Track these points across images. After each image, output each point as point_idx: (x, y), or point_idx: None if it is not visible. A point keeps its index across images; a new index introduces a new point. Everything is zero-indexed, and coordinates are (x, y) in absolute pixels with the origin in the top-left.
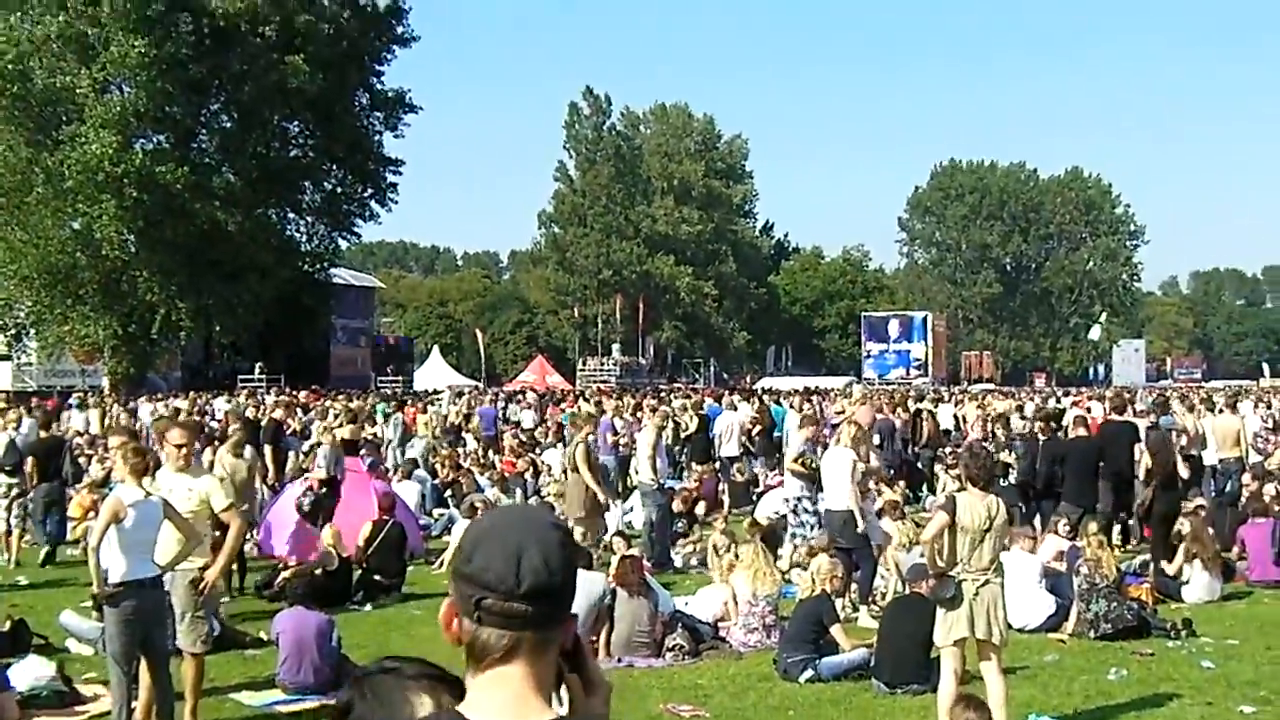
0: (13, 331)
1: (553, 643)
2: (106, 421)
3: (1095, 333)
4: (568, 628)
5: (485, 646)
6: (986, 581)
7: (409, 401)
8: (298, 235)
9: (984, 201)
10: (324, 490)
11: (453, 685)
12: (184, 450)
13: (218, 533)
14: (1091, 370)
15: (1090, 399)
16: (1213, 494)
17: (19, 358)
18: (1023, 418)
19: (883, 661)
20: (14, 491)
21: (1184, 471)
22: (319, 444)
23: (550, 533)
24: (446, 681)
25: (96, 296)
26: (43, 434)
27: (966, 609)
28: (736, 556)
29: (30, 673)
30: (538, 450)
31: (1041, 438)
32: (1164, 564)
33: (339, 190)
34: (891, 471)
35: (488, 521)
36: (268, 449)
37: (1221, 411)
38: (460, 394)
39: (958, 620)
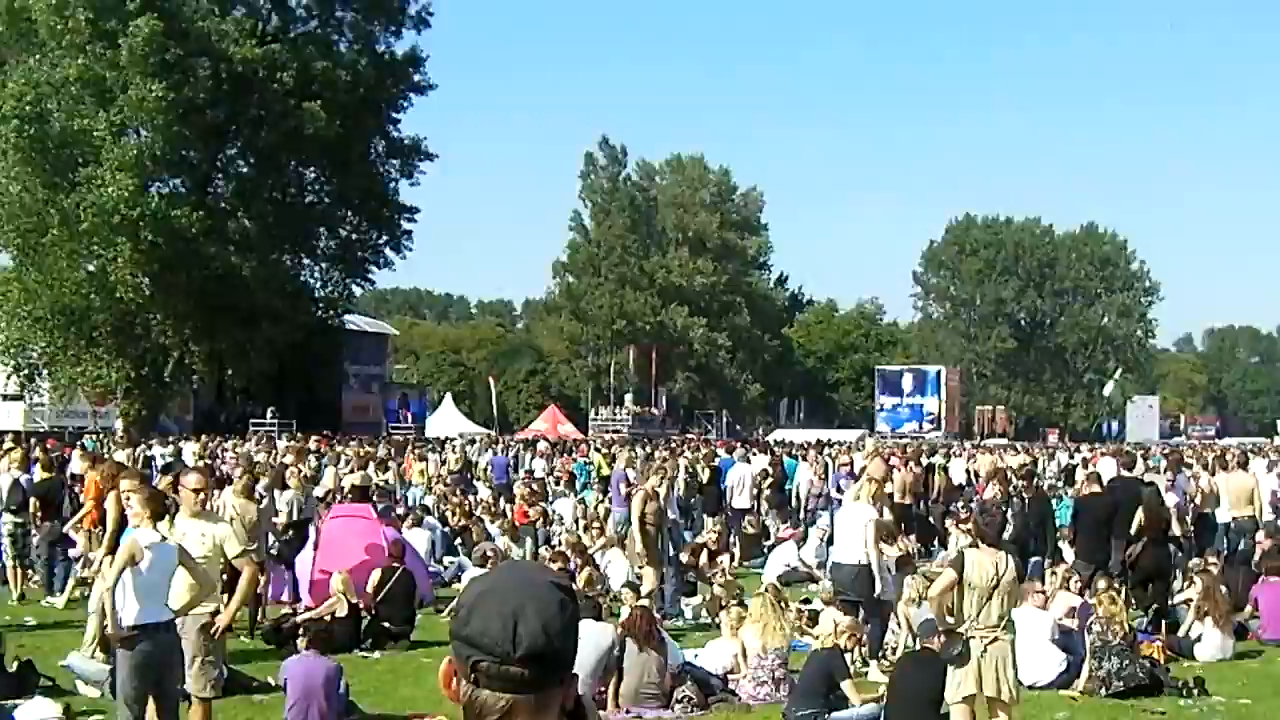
0: (26, 372)
1: (552, 704)
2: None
3: (1109, 389)
4: (568, 688)
5: (483, 708)
6: (995, 639)
7: (408, 450)
8: (312, 281)
9: (999, 256)
10: (289, 534)
11: None
12: (200, 495)
13: (225, 577)
14: (1105, 426)
15: (1103, 455)
16: (1225, 552)
17: (31, 398)
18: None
19: (893, 717)
20: (18, 530)
21: (1176, 529)
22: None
23: (550, 594)
24: None
25: (110, 339)
26: (44, 475)
27: (975, 666)
28: (745, 609)
29: (36, 714)
30: (549, 499)
31: (1026, 496)
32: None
33: (354, 237)
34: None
35: (486, 582)
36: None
37: (1234, 469)
38: (472, 441)
39: (966, 677)
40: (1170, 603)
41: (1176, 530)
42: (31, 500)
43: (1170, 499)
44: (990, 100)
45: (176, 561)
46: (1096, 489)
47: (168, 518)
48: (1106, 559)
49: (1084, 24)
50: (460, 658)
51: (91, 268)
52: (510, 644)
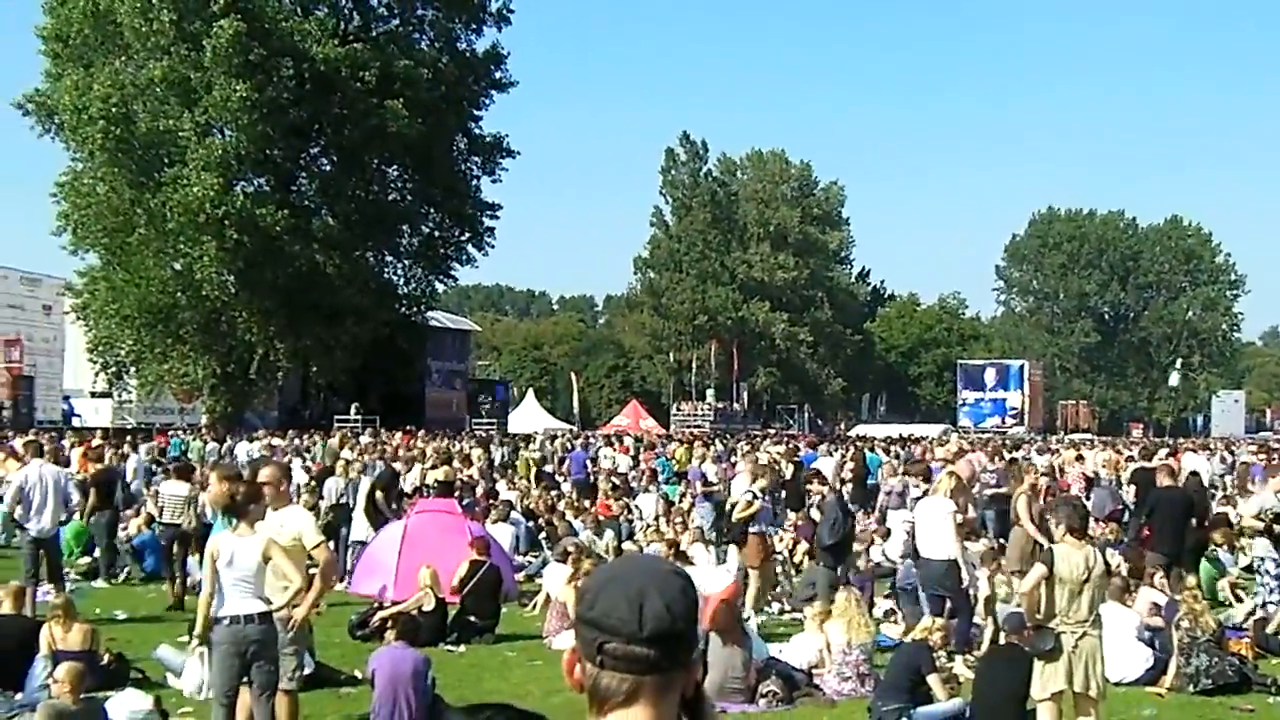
0: (113, 369)
1: (674, 688)
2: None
3: (1174, 379)
4: (690, 674)
5: (607, 691)
6: (1085, 634)
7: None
8: (395, 278)
9: (1082, 250)
10: (330, 517)
11: None
12: (275, 488)
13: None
14: (1190, 421)
15: (1187, 450)
16: None
17: (119, 396)
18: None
19: (978, 713)
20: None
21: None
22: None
23: (672, 579)
24: None
25: (196, 336)
26: (98, 466)
27: (1065, 661)
28: (829, 604)
29: (127, 706)
30: (633, 494)
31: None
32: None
33: (436, 234)
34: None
35: (610, 568)
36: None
37: None
38: (553, 437)
39: (1056, 673)
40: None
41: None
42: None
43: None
44: (1073, 93)
45: (258, 555)
46: (1170, 482)
47: (249, 513)
48: (1180, 552)
49: (1168, 14)
50: (586, 641)
51: (178, 266)
52: (637, 624)
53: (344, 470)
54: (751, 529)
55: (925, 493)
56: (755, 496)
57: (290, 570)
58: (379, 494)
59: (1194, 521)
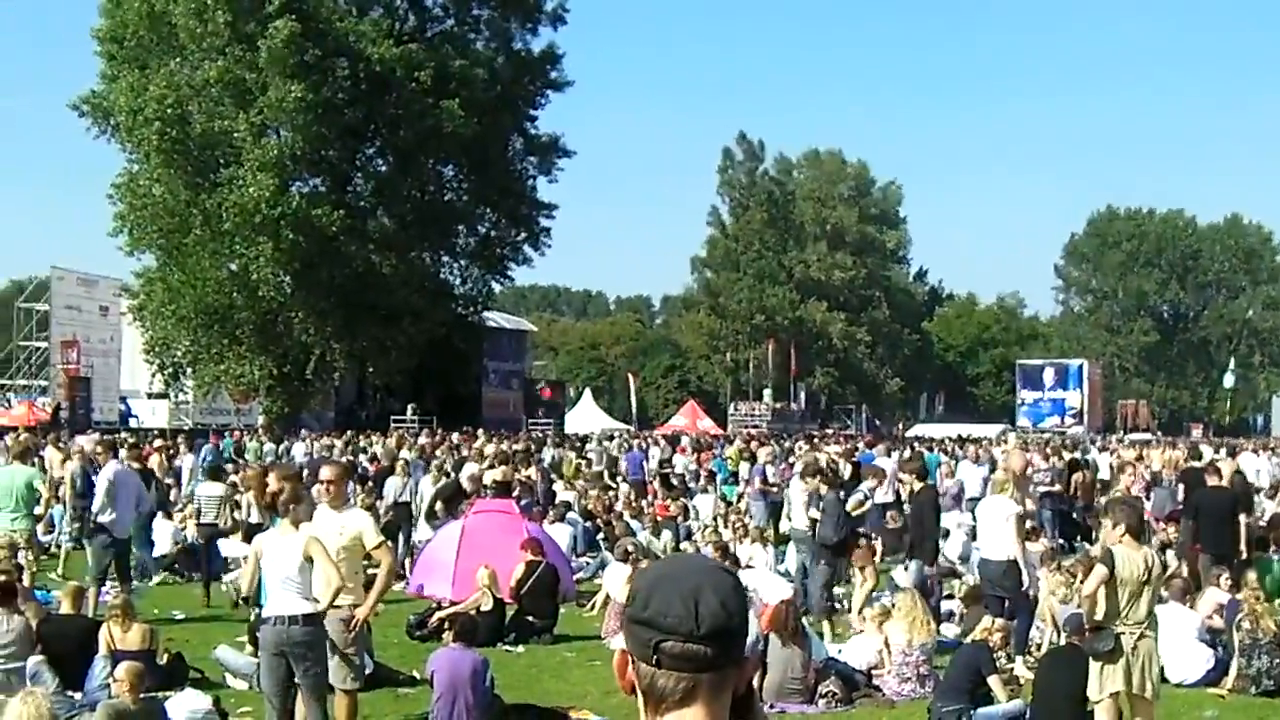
0: (170, 370)
1: (728, 685)
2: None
3: (1229, 380)
4: (743, 671)
5: (664, 690)
6: (1142, 635)
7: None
8: (451, 278)
9: (1141, 249)
10: (390, 515)
11: None
12: (334, 487)
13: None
14: (1250, 420)
15: (1245, 451)
16: None
17: (176, 396)
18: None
19: (1038, 714)
20: (80, 513)
21: None
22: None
23: (723, 576)
24: None
25: (252, 337)
26: (134, 466)
27: (1124, 662)
28: (892, 605)
29: (186, 706)
30: (690, 495)
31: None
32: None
33: (493, 234)
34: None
35: (659, 568)
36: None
37: None
38: (611, 437)
39: (1113, 673)
40: None
41: None
42: None
43: None
44: (1131, 90)
45: (299, 556)
46: (1216, 482)
47: (290, 512)
48: (1229, 552)
49: (1226, 12)
50: (639, 641)
51: (234, 267)
52: (694, 622)
53: (403, 470)
54: (860, 529)
55: (906, 492)
56: (866, 496)
57: (330, 570)
58: (439, 504)
59: (1241, 520)
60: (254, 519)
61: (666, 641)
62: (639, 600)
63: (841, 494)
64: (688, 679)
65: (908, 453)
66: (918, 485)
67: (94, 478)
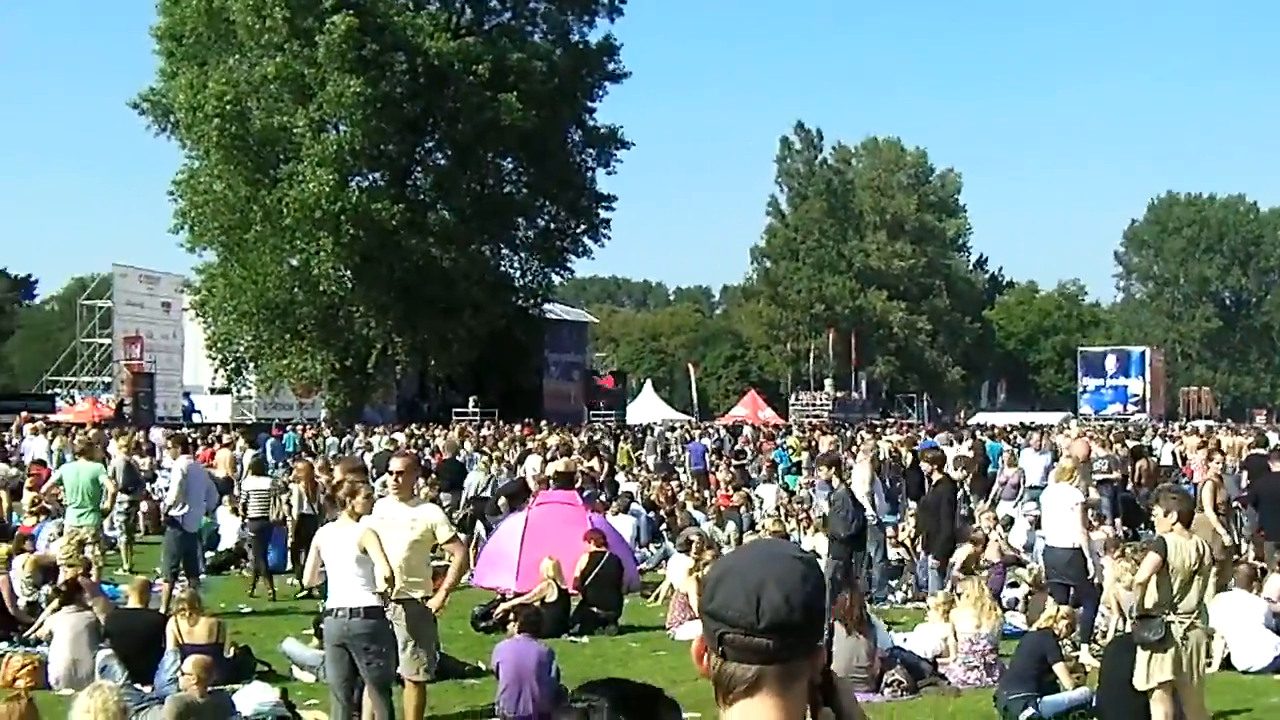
0: (232, 365)
1: (799, 676)
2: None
3: None
4: (815, 660)
5: (731, 680)
6: (1192, 624)
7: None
8: (511, 271)
9: (1202, 234)
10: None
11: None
12: (404, 479)
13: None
14: None
15: None
16: None
17: (239, 391)
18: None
19: (1104, 702)
20: (132, 509)
21: None
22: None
23: (792, 567)
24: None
25: (314, 331)
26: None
27: (1174, 652)
28: (957, 593)
29: (254, 698)
30: (753, 484)
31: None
32: None
33: (552, 226)
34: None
35: (730, 558)
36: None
37: None
38: (672, 428)
39: (1164, 663)
40: None
41: None
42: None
43: None
44: (1191, 75)
45: (355, 548)
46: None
47: (351, 506)
48: None
49: None
50: (708, 632)
51: (294, 262)
52: (754, 615)
53: (485, 466)
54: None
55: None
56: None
57: (381, 563)
58: (502, 500)
59: None
60: (305, 510)
61: (729, 634)
62: (707, 591)
63: (889, 483)
64: (754, 670)
65: (969, 442)
66: (936, 476)
67: (140, 472)
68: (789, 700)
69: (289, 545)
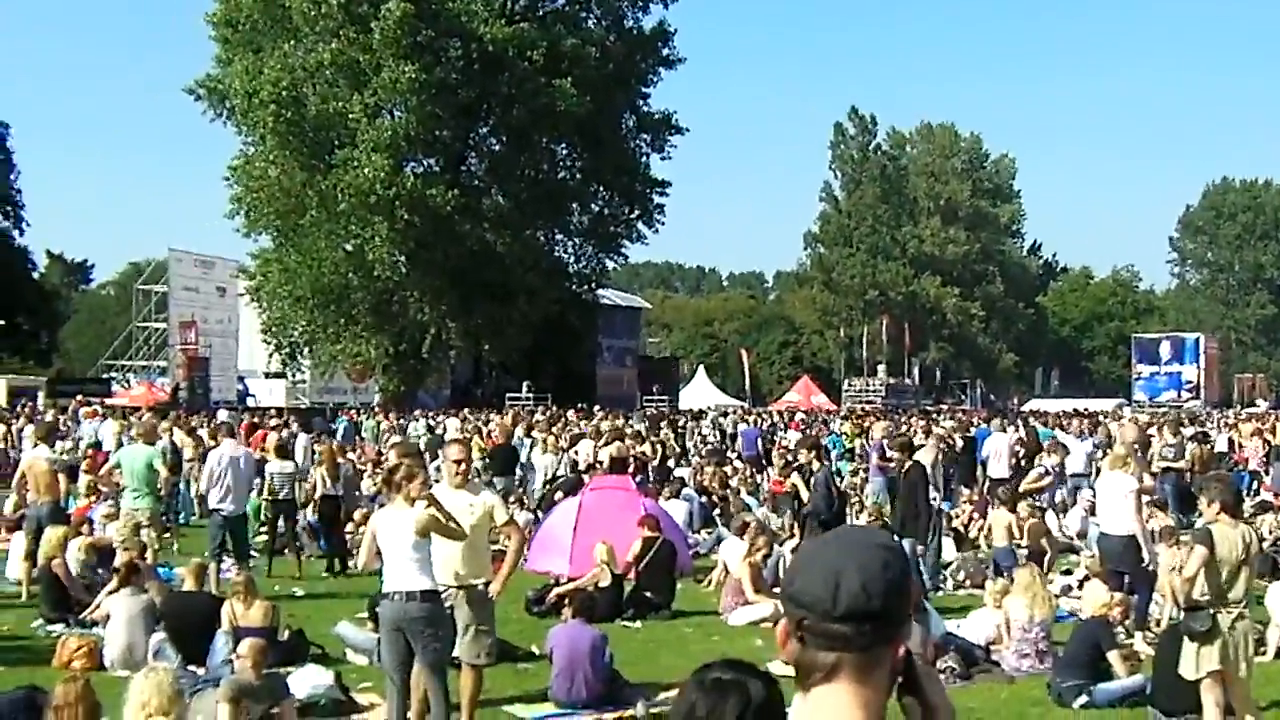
0: (287, 350)
1: (880, 664)
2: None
3: None
4: (896, 648)
5: (810, 665)
6: (1240, 614)
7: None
8: (565, 256)
9: (1258, 220)
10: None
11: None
12: (462, 466)
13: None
14: None
15: None
16: None
17: (293, 376)
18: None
19: (1159, 689)
20: (173, 490)
21: None
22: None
23: (873, 555)
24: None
25: (368, 316)
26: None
27: (1221, 642)
28: (1011, 580)
29: (308, 681)
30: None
31: None
32: None
33: (606, 211)
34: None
35: (815, 544)
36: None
37: None
38: (725, 414)
39: (1211, 653)
40: None
41: None
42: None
43: None
44: (1246, 61)
45: (411, 533)
46: None
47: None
48: None
49: None
50: (790, 617)
51: (349, 247)
52: (831, 602)
53: (554, 447)
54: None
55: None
56: (1046, 472)
57: (450, 529)
58: (559, 495)
59: None
60: (329, 492)
61: (807, 620)
62: (788, 575)
63: (829, 471)
64: (833, 656)
65: (1021, 429)
66: (907, 463)
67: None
68: (868, 688)
69: (307, 525)
